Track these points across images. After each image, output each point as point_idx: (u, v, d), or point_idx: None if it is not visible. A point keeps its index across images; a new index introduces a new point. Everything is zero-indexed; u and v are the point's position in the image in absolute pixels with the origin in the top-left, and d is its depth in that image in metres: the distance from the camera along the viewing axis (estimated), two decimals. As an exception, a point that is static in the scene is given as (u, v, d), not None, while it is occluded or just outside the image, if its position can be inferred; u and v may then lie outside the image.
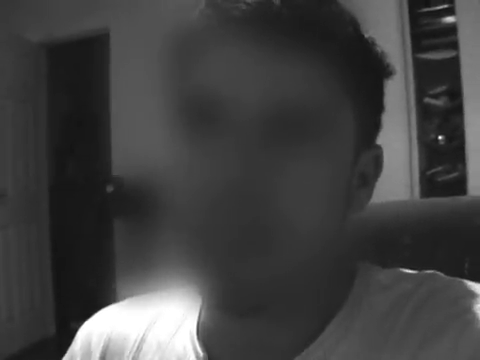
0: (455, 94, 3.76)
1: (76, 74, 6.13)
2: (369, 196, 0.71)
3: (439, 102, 3.86)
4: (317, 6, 0.62)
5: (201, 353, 0.71)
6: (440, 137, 3.85)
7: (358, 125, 0.65)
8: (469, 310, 0.61)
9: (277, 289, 0.62)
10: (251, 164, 0.58)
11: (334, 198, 0.64)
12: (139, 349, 0.77)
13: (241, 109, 0.59)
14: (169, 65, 0.69)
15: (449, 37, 3.73)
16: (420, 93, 3.89)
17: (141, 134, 4.57)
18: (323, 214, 0.62)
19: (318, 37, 0.60)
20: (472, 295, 0.63)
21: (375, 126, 0.70)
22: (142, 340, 0.78)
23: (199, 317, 0.76)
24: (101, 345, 0.81)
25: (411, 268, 0.71)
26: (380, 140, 0.71)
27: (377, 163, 0.71)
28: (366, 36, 0.66)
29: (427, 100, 3.91)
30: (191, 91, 0.63)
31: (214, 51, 0.62)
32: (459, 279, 0.67)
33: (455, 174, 3.83)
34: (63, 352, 0.86)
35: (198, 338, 0.73)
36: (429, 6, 3.86)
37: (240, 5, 0.61)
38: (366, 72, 0.66)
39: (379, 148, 0.72)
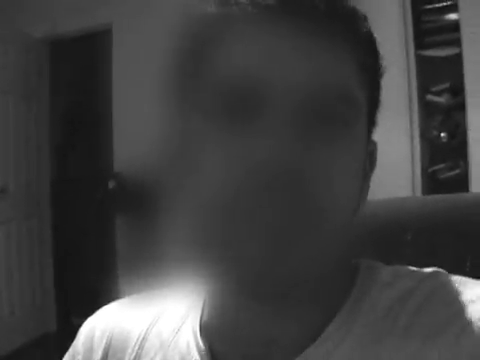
0: (458, 91, 3.75)
1: (78, 70, 6.12)
2: (367, 192, 0.72)
3: (441, 99, 3.85)
4: (342, 3, 0.64)
5: (204, 350, 0.71)
6: (442, 134, 3.84)
7: (367, 118, 0.67)
8: (471, 308, 0.61)
9: (310, 271, 0.62)
10: (291, 144, 0.58)
11: (358, 183, 0.66)
12: (141, 346, 0.77)
13: (277, 93, 0.60)
14: (187, 55, 0.69)
15: (452, 34, 3.72)
16: (423, 90, 3.89)
17: (143, 130, 4.57)
18: (353, 197, 0.65)
19: (345, 25, 0.62)
20: (474, 292, 0.63)
21: (373, 122, 0.71)
22: (144, 337, 0.78)
23: (202, 314, 0.76)
24: (104, 342, 0.81)
25: (413, 265, 0.71)
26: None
27: (372, 159, 0.73)
28: (374, 34, 0.68)
29: (430, 97, 3.90)
30: (221, 78, 0.62)
31: (244, 38, 0.62)
32: (461, 277, 0.67)
33: (457, 171, 3.82)
34: (64, 348, 0.86)
35: (201, 335, 0.73)
36: (432, 3, 3.85)
37: None
38: (375, 68, 0.68)
39: (374, 143, 0.73)
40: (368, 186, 0.72)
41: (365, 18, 0.66)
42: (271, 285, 0.60)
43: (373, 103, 0.69)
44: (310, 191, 0.59)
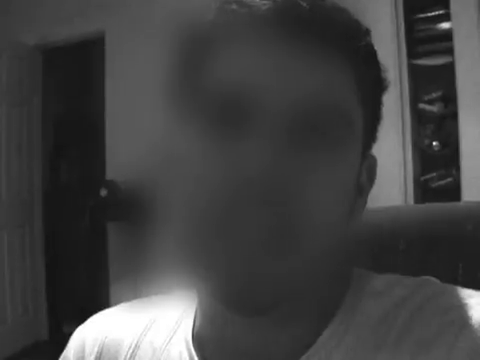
0: (450, 100, 3.77)
1: (71, 78, 6.12)
2: (364, 206, 0.72)
3: (434, 108, 3.86)
4: (339, 13, 0.63)
5: (196, 359, 0.71)
6: (434, 143, 3.85)
7: (363, 132, 0.67)
8: (464, 317, 0.61)
9: (294, 287, 0.62)
10: (280, 161, 0.58)
11: (347, 199, 0.65)
12: (134, 355, 0.76)
13: (269, 105, 0.59)
14: (183, 62, 0.69)
15: (444, 43, 3.73)
16: (415, 99, 3.90)
17: (135, 138, 4.57)
18: (339, 212, 0.63)
19: (343, 39, 0.62)
20: (466, 302, 0.63)
21: (373, 136, 0.71)
22: (136, 346, 0.77)
23: (194, 322, 0.75)
24: (95, 351, 0.80)
25: (405, 274, 0.71)
26: (374, 145, 0.72)
27: (370, 173, 0.73)
28: (375, 49, 0.68)
29: (422, 106, 3.91)
30: (215, 87, 0.62)
31: (241, 47, 0.62)
32: (453, 285, 0.67)
33: (449, 180, 3.83)
34: (55, 356, 0.86)
35: (193, 344, 0.73)
36: (424, 12, 3.86)
37: (266, 2, 0.61)
38: (374, 81, 0.67)
39: (373, 158, 0.73)
40: (365, 201, 0.72)
41: (367, 32, 0.66)
42: (254, 301, 0.60)
43: (372, 118, 0.69)
44: (295, 207, 0.59)
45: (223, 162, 0.60)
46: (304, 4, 0.61)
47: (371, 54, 0.67)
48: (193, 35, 0.68)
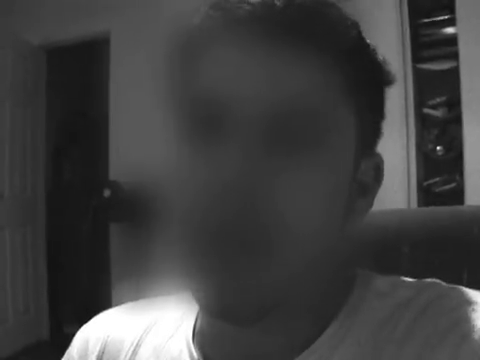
0: (454, 105, 3.77)
1: (75, 77, 6.13)
2: (369, 206, 0.71)
3: (438, 113, 3.87)
4: (320, 8, 0.62)
5: (196, 357, 0.71)
6: (438, 148, 3.85)
7: (359, 131, 0.65)
8: (469, 318, 0.60)
9: (275, 297, 0.61)
10: (251, 166, 0.58)
11: (334, 204, 0.64)
12: (135, 352, 0.77)
13: (243, 110, 0.59)
14: (172, 68, 0.69)
15: (449, 48, 3.73)
16: (419, 103, 3.90)
17: (139, 139, 4.57)
18: (322, 218, 0.62)
19: (321, 39, 0.60)
20: (471, 303, 0.62)
21: (375, 134, 0.70)
22: (138, 344, 0.78)
23: (196, 321, 0.76)
24: (97, 349, 0.81)
25: (410, 276, 0.71)
26: (379, 150, 0.71)
27: (377, 172, 0.71)
28: (368, 42, 0.66)
29: (426, 110, 3.91)
30: (194, 93, 0.63)
31: (217, 52, 0.63)
32: (458, 286, 0.67)
33: (453, 185, 3.83)
34: (56, 356, 0.86)
35: (194, 342, 0.73)
36: (429, 17, 3.86)
37: (244, 6, 0.61)
38: (368, 77, 0.66)
39: (379, 157, 0.71)
40: (370, 201, 0.71)
41: (354, 25, 0.64)
42: (236, 307, 0.60)
43: (371, 114, 0.67)
44: (261, 214, 0.58)
45: (202, 168, 0.60)
46: (280, 5, 0.60)
47: (358, 47, 0.65)
48: (179, 41, 0.68)
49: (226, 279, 0.59)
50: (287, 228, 0.59)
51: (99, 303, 4.06)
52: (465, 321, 0.60)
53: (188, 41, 0.67)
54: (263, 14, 0.60)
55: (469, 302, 0.63)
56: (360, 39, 0.65)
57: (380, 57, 0.67)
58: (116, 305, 0.88)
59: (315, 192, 0.61)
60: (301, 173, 0.59)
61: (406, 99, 3.77)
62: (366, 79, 0.65)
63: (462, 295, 0.64)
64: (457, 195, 3.67)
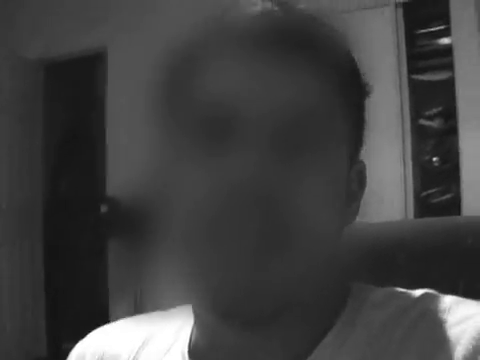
0: (450, 115, 3.78)
1: (73, 92, 6.13)
2: (356, 213, 0.72)
3: (434, 123, 3.88)
4: (312, 21, 0.66)
5: None
6: (434, 158, 3.86)
7: (350, 138, 0.68)
8: (464, 327, 0.60)
9: (286, 295, 0.62)
10: (264, 169, 0.59)
11: (336, 204, 0.66)
12: None
13: (249, 117, 0.61)
14: (170, 82, 0.70)
15: (444, 58, 3.75)
16: (415, 114, 3.91)
17: (136, 154, 4.57)
18: (331, 216, 0.64)
19: (316, 50, 0.64)
20: (467, 313, 0.62)
21: (360, 141, 0.72)
22: (135, 359, 0.77)
23: (191, 335, 0.75)
24: (94, 364, 0.80)
25: (405, 288, 0.71)
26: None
27: (361, 178, 0.73)
28: (352, 55, 0.70)
29: (422, 121, 3.92)
30: (198, 105, 0.64)
31: (222, 63, 0.65)
32: (453, 296, 0.67)
33: (449, 196, 3.83)
34: (54, 372, 0.86)
35: (190, 356, 0.72)
36: (425, 27, 3.88)
37: (242, 19, 0.64)
38: (354, 87, 0.69)
39: (362, 163, 0.73)
40: (357, 206, 0.72)
41: (344, 39, 0.68)
42: (244, 312, 0.60)
43: (357, 122, 0.70)
44: (280, 214, 0.60)
45: (210, 176, 0.62)
46: (278, 16, 0.64)
47: (347, 59, 0.68)
48: (179, 54, 0.70)
49: (235, 274, 0.60)
50: (305, 225, 0.61)
51: (97, 319, 4.05)
52: (460, 330, 0.60)
53: (189, 54, 0.68)
54: (262, 25, 0.63)
55: (464, 312, 0.63)
56: (347, 52, 0.68)
57: (362, 69, 0.70)
58: (114, 320, 0.88)
59: (323, 193, 0.63)
60: (310, 174, 0.62)
61: (402, 110, 3.78)
62: (352, 89, 0.68)
63: (458, 305, 0.64)
64: (454, 206, 3.68)
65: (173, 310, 0.84)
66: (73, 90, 6.10)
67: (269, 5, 0.65)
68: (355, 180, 0.71)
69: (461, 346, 0.58)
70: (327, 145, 0.63)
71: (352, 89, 0.68)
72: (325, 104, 0.64)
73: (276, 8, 0.64)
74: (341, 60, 0.66)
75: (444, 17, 3.74)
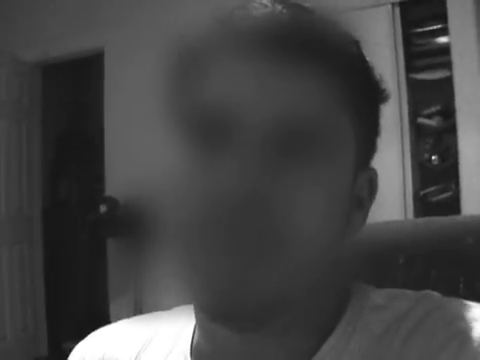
0: (449, 114, 3.77)
1: (70, 94, 6.14)
2: (364, 220, 0.71)
3: (432, 122, 3.87)
4: (322, 24, 0.64)
5: None
6: (433, 157, 3.86)
7: (357, 145, 0.66)
8: (466, 329, 0.60)
9: (283, 299, 0.62)
10: (260, 175, 0.59)
11: (336, 212, 0.65)
12: None
13: (250, 123, 0.60)
14: (174, 81, 0.70)
15: (442, 57, 3.74)
16: (414, 113, 3.90)
17: (135, 154, 4.57)
18: (327, 225, 0.63)
19: (323, 54, 0.62)
20: (468, 314, 0.62)
21: (371, 149, 0.71)
22: (135, 361, 0.77)
23: (193, 336, 0.75)
24: (94, 366, 0.80)
25: (406, 288, 0.71)
26: (374, 160, 0.71)
27: (371, 186, 0.72)
28: (367, 60, 0.68)
29: (421, 120, 3.92)
30: (198, 107, 0.64)
31: (223, 64, 0.64)
32: (454, 298, 0.67)
33: (448, 194, 3.83)
34: (55, 373, 0.86)
35: (192, 358, 0.72)
36: (423, 26, 3.88)
37: (248, 21, 0.63)
38: (365, 93, 0.67)
39: (373, 171, 0.72)
40: (365, 214, 0.71)
41: (355, 42, 0.66)
42: (236, 315, 0.60)
43: (368, 128, 0.68)
44: (274, 220, 0.59)
45: (205, 179, 0.61)
46: (285, 19, 0.62)
47: (358, 63, 0.66)
48: (180, 54, 0.69)
49: (237, 274, 0.59)
50: (298, 231, 0.60)
51: (97, 319, 4.05)
52: (462, 333, 0.60)
53: (192, 54, 0.68)
54: (267, 28, 0.61)
55: (465, 313, 0.63)
56: (359, 56, 0.67)
57: (377, 75, 0.68)
58: (114, 320, 0.88)
59: (319, 200, 0.62)
60: (307, 181, 0.61)
61: (400, 109, 3.78)
62: (363, 94, 0.66)
63: (458, 306, 0.64)
64: (453, 204, 3.67)
65: (173, 310, 0.84)
66: (71, 92, 6.11)
67: (278, 8, 0.63)
68: (364, 187, 0.71)
69: (465, 349, 0.59)
70: (329, 153, 0.62)
71: (363, 95, 0.66)
72: (329, 111, 0.62)
73: (285, 10, 0.63)
74: (351, 65, 0.64)
75: (441, 16, 3.74)
